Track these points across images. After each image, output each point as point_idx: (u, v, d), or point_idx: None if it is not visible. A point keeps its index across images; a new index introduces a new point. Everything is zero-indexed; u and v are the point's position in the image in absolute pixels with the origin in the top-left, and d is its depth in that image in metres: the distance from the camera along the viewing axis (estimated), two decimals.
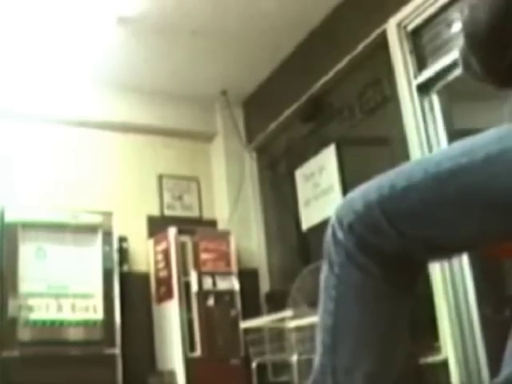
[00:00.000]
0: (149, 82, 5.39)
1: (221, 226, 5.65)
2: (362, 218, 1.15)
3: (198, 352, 4.76)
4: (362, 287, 1.16)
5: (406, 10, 4.01)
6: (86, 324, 4.49)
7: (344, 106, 4.71)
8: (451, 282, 3.62)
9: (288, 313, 4.09)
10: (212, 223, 5.68)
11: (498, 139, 1.07)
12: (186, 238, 5.06)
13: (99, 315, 4.55)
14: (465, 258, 3.58)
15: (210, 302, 4.92)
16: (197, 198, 5.74)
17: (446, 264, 3.64)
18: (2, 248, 4.39)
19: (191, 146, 5.83)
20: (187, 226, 5.23)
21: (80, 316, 4.49)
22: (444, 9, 3.83)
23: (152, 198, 5.53)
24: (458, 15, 3.81)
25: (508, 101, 1.20)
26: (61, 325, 4.42)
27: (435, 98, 3.94)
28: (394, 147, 4.25)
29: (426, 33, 4.00)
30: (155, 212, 5.50)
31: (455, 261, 3.64)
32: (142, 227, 5.36)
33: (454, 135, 3.80)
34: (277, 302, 4.82)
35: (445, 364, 3.54)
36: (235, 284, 5.05)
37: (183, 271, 4.95)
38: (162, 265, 5.09)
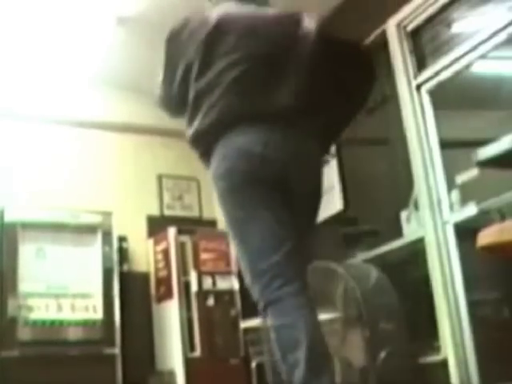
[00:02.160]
0: (149, 82, 5.35)
1: (221, 225, 5.64)
2: None
3: (197, 352, 4.76)
4: None
5: (405, 11, 4.01)
6: (86, 324, 4.49)
7: None
8: (451, 283, 3.62)
9: None
10: (212, 223, 5.67)
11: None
12: (185, 238, 5.06)
13: (99, 315, 4.54)
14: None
15: (210, 301, 4.91)
16: (197, 198, 5.74)
17: (446, 265, 3.64)
18: (2, 248, 4.39)
19: None
20: (187, 225, 5.23)
21: (80, 316, 4.49)
22: (444, 9, 3.83)
23: (152, 198, 5.52)
24: (457, 15, 3.81)
25: None
26: (60, 325, 4.42)
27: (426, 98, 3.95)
28: (393, 147, 4.25)
29: (426, 33, 4.01)
30: (155, 212, 5.50)
31: (455, 261, 3.64)
32: (142, 227, 5.36)
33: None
34: None
35: (445, 364, 3.54)
36: (235, 284, 5.05)
37: (183, 271, 4.94)
38: (161, 264, 5.08)
